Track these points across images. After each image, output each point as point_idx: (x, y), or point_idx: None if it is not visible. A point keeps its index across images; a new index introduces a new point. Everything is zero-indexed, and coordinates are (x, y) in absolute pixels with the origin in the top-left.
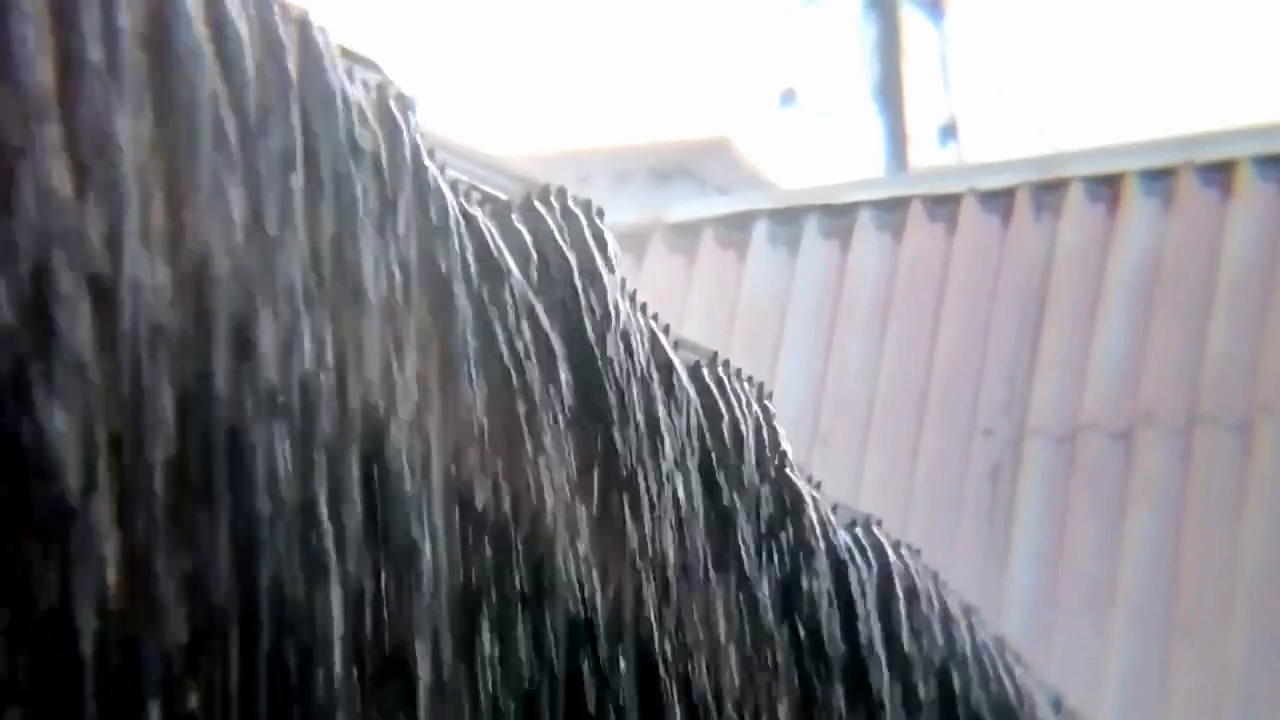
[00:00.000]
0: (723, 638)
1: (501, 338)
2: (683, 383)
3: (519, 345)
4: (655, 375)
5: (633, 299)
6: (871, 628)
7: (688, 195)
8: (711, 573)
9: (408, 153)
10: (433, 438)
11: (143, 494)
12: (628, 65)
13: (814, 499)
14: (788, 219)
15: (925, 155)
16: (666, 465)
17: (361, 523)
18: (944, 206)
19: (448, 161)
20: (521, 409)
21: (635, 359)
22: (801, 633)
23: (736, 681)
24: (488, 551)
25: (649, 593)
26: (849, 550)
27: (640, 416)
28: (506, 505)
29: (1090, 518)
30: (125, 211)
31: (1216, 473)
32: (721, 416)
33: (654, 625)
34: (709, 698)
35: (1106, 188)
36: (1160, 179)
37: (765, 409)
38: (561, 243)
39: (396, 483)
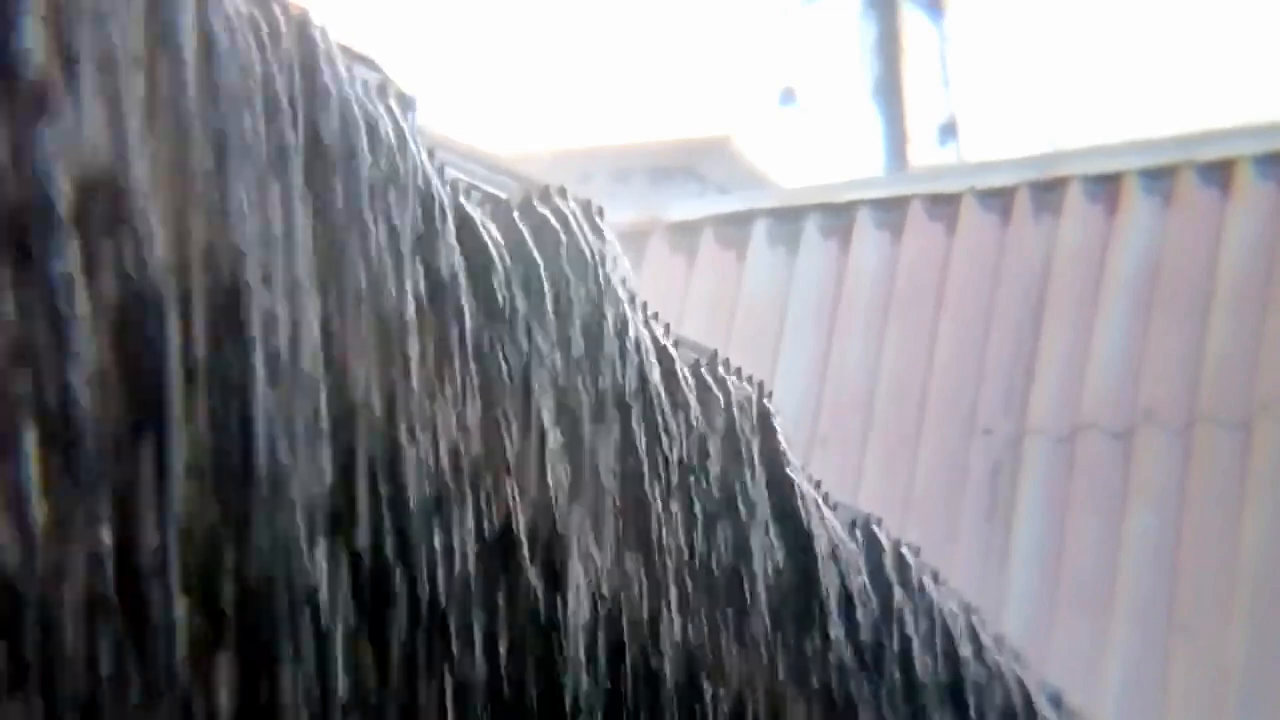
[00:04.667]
0: (723, 637)
1: (500, 336)
2: (683, 382)
3: (518, 344)
4: (655, 374)
5: (632, 298)
6: (873, 627)
7: (688, 194)
8: (712, 573)
9: (407, 152)
10: (431, 434)
11: None
12: (628, 64)
13: (814, 499)
14: (788, 218)
15: (925, 154)
16: (666, 464)
17: (367, 519)
18: (944, 206)
19: (447, 161)
20: (519, 406)
21: (634, 358)
22: (804, 632)
23: (738, 681)
24: (489, 550)
25: (650, 591)
26: (849, 550)
27: (639, 415)
28: (506, 502)
29: (1090, 517)
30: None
31: (1216, 473)
32: (721, 416)
33: (657, 626)
34: (709, 696)
35: (1106, 187)
36: (1160, 178)
37: (765, 408)
38: (561, 242)
39: (395, 476)
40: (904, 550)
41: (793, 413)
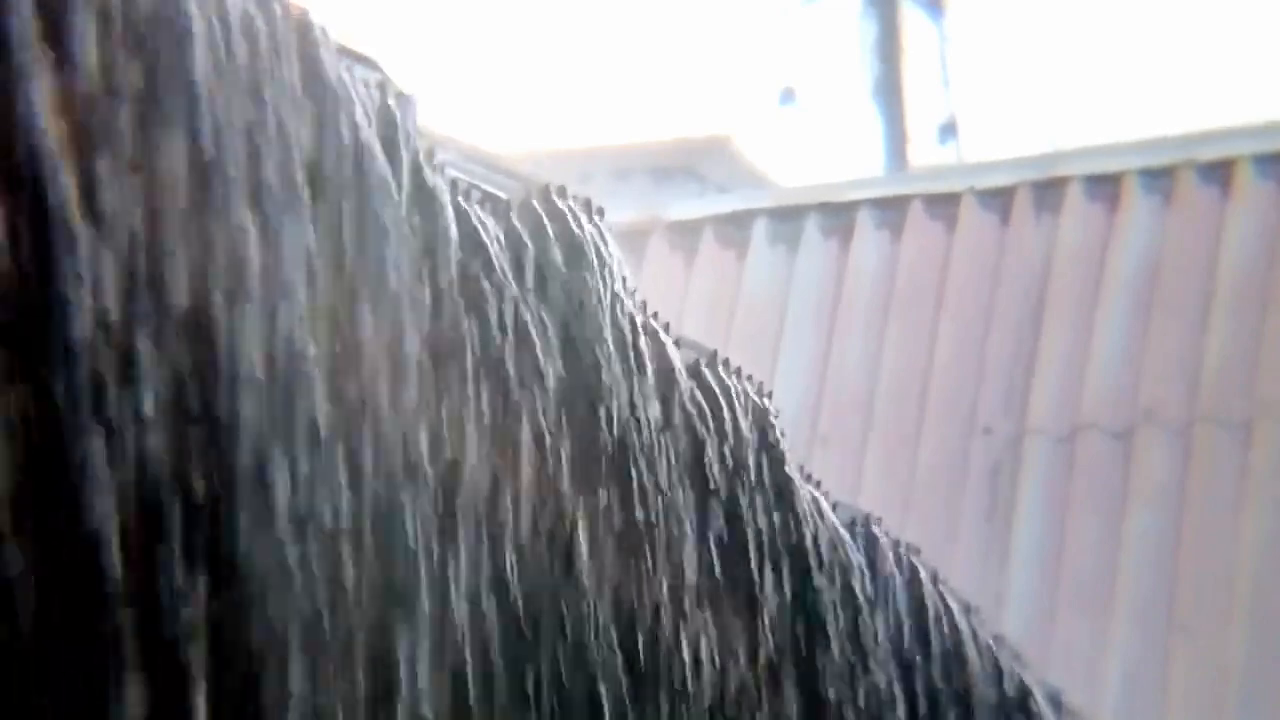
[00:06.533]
0: (723, 635)
1: (499, 335)
2: (682, 381)
3: (517, 343)
4: (654, 373)
5: (632, 297)
6: (872, 625)
7: (688, 194)
8: (711, 572)
9: (407, 151)
10: (430, 431)
11: None
12: (628, 64)
13: (813, 498)
14: (787, 218)
15: (925, 154)
16: (665, 464)
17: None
18: (944, 205)
19: (447, 160)
20: (519, 406)
21: (634, 357)
22: (803, 631)
23: (738, 680)
24: (482, 547)
25: (648, 590)
26: (849, 549)
27: (639, 414)
28: (505, 500)
29: (1090, 517)
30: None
31: (1216, 473)
32: (721, 415)
33: (653, 624)
34: (710, 697)
35: (1106, 187)
36: (1160, 178)
37: (765, 407)
38: (561, 241)
39: (393, 473)
40: (904, 550)
41: (793, 413)
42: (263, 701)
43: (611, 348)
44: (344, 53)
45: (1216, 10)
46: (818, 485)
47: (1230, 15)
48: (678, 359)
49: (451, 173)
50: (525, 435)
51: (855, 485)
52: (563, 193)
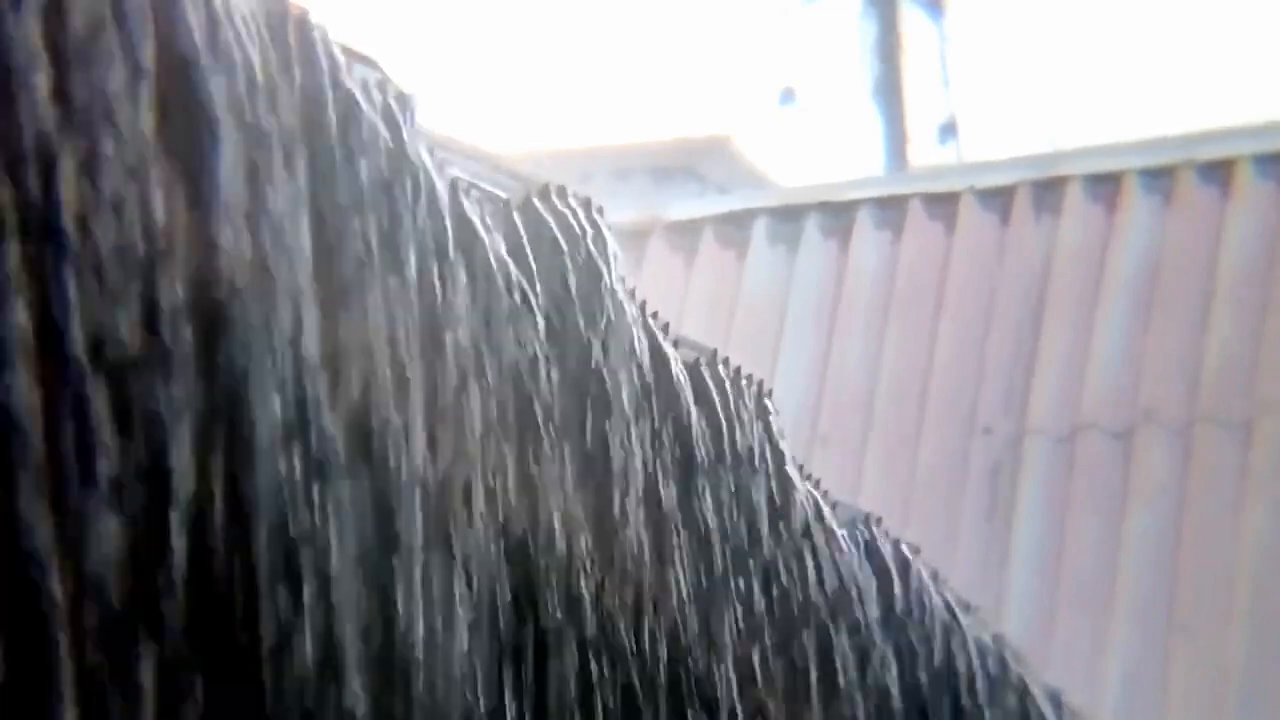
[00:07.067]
0: (722, 637)
1: (499, 335)
2: (682, 381)
3: (517, 343)
4: (654, 373)
5: (632, 297)
6: (871, 625)
7: (688, 194)
8: (711, 571)
9: (407, 151)
10: (428, 433)
11: None
12: (628, 64)
13: (813, 498)
14: (787, 217)
15: (925, 154)
16: (665, 464)
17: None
18: (943, 205)
19: (447, 160)
20: (518, 406)
21: (634, 357)
22: (800, 629)
23: (737, 685)
24: (482, 551)
25: (647, 591)
26: (848, 549)
27: (638, 415)
28: (501, 503)
29: (1090, 517)
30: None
31: (1216, 473)
32: (720, 415)
33: (651, 628)
34: (710, 699)
35: (1106, 186)
36: (1160, 178)
37: (765, 407)
38: (561, 241)
39: (390, 477)
40: (904, 550)
41: (793, 413)
42: None
43: (611, 348)
44: (344, 52)
45: (1216, 10)
46: (817, 485)
47: (1230, 15)
48: (677, 359)
49: (451, 172)
50: (523, 434)
51: (855, 485)
52: (563, 192)
